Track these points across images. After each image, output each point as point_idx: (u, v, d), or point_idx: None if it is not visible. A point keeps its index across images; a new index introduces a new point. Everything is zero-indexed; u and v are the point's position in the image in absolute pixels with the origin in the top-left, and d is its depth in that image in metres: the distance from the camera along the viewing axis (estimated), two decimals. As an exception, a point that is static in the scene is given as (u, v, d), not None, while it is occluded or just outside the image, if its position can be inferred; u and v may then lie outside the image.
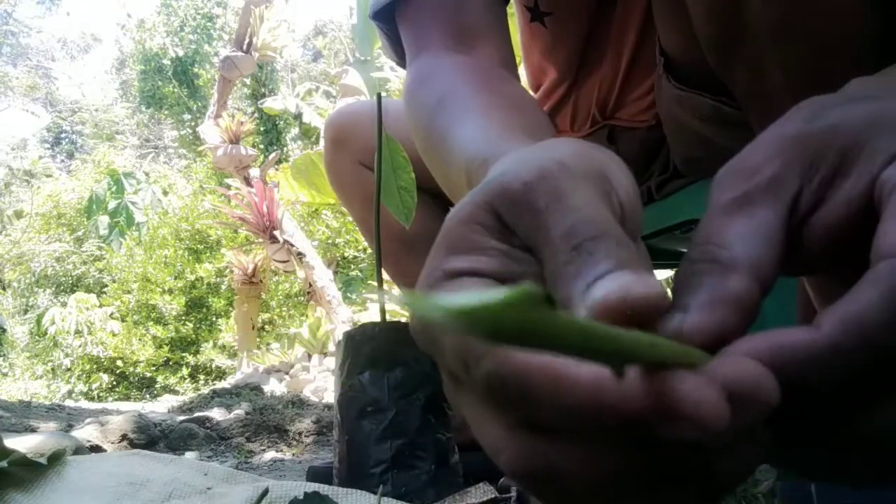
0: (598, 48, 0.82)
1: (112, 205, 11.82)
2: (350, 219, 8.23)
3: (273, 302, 9.85)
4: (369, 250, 8.83)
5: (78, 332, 9.87)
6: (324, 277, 6.15)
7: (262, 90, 11.13)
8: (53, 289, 11.86)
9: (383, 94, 0.68)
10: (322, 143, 7.64)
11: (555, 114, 0.91)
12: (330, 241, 9.09)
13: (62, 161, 17.00)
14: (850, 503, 0.45)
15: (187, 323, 9.99)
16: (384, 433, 0.62)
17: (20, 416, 2.11)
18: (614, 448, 0.22)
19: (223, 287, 9.87)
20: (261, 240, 6.35)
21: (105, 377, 9.66)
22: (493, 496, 0.61)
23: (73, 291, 11.15)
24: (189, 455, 1.70)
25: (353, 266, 9.78)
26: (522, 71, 0.90)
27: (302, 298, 8.91)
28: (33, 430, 1.78)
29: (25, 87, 17.00)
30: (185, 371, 9.71)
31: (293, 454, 1.83)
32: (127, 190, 12.02)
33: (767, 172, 0.26)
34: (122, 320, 10.11)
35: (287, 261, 6.24)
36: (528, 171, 0.27)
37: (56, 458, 0.56)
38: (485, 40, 0.63)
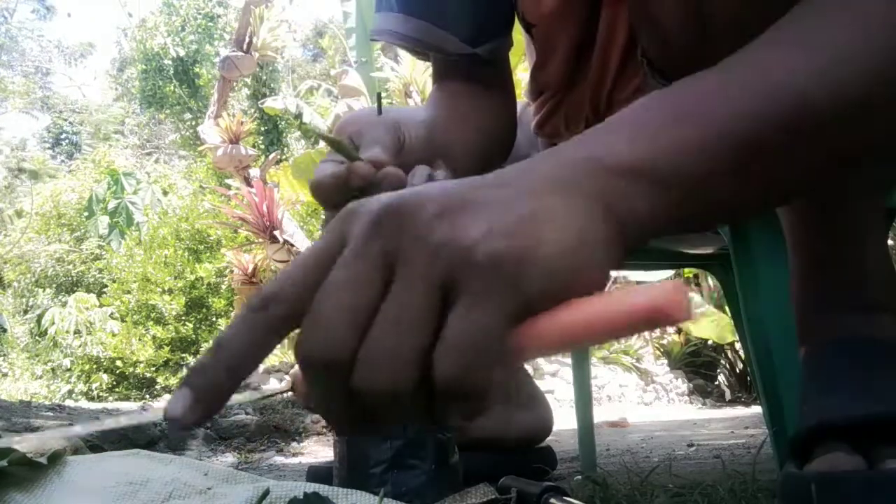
0: (588, 52, 0.83)
1: (112, 205, 11.83)
2: (350, 219, 8.25)
3: (273, 302, 9.82)
4: (369, 250, 8.79)
5: (78, 332, 9.87)
6: (324, 277, 6.14)
7: (263, 90, 11.13)
8: (53, 289, 11.86)
9: (383, 94, 0.68)
10: (322, 143, 7.61)
11: (551, 117, 0.92)
12: (330, 242, 9.08)
13: (62, 161, 17.00)
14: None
15: (187, 323, 9.97)
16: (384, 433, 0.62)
17: (20, 416, 2.11)
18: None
19: (223, 287, 9.85)
20: (261, 240, 6.34)
21: (105, 377, 9.65)
22: (493, 496, 0.61)
23: (73, 291, 11.16)
24: (189, 455, 1.70)
25: (352, 266, 9.76)
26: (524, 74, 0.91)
27: (302, 298, 8.88)
28: (33, 430, 1.78)
29: (22, 91, 16.99)
30: (185, 372, 9.67)
31: (293, 454, 1.83)
32: (127, 190, 12.03)
33: None
34: (122, 320, 10.09)
35: (287, 261, 6.24)
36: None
37: (56, 458, 0.56)
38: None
